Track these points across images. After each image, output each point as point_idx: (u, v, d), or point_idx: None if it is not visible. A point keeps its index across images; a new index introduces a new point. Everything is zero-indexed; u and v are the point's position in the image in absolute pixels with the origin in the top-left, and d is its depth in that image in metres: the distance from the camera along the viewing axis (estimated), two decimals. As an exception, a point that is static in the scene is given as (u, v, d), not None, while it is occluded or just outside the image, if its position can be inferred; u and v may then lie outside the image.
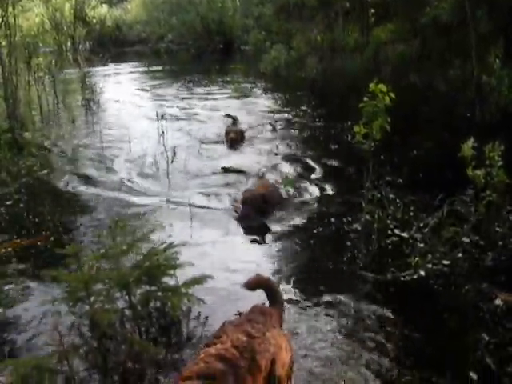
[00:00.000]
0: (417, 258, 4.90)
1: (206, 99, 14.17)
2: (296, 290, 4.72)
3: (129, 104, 14.07)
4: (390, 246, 5.40)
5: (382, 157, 7.22)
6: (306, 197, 6.92)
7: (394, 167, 7.58)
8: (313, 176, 7.74)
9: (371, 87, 5.48)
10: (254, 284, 3.43)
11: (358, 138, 5.73)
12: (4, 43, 13.30)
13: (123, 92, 16.24)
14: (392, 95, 5.46)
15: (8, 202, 6.99)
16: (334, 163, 8.30)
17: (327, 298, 4.55)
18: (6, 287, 4.91)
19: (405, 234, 5.54)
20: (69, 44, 32.70)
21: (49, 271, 3.90)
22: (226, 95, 14.74)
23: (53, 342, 3.59)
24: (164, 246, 4.14)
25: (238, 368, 2.56)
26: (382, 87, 5.48)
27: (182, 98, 14.53)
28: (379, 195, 6.28)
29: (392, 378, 3.60)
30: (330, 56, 16.66)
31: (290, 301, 4.46)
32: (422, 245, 5.27)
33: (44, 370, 3.45)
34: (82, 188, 7.55)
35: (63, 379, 3.58)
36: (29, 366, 3.44)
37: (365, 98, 5.58)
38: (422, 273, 4.79)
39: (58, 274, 3.86)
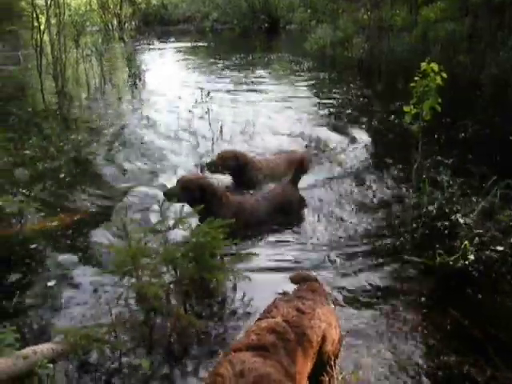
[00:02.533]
0: (465, 242, 4.77)
1: (251, 78, 14.11)
2: (338, 274, 4.65)
3: (174, 81, 14.13)
4: (437, 229, 5.28)
5: (431, 138, 7.04)
6: (351, 177, 6.81)
7: (444, 148, 7.39)
8: (358, 156, 7.61)
9: (423, 66, 5.33)
10: (298, 279, 3.40)
11: (408, 119, 5.60)
12: (53, 22, 13.56)
13: (168, 70, 16.34)
14: (444, 75, 5.30)
15: (55, 176, 7.12)
16: (381, 144, 8.14)
17: (370, 280, 4.49)
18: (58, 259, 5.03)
19: (455, 217, 5.40)
20: (115, 23, 33.10)
21: (99, 244, 3.97)
22: (270, 74, 14.65)
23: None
24: (211, 223, 4.13)
25: (288, 341, 2.57)
26: (434, 66, 5.33)
27: (227, 77, 14.52)
28: (428, 177, 6.12)
29: (436, 363, 3.54)
30: (377, 35, 16.34)
31: (331, 284, 4.42)
32: (472, 229, 5.13)
33: (92, 339, 3.53)
34: (127, 164, 7.64)
35: (110, 349, 3.66)
36: (78, 336, 3.53)
37: (416, 78, 5.44)
38: (472, 257, 4.66)
39: (108, 247, 3.92)
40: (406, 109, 5.59)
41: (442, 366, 3.48)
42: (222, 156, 6.30)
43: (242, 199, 5.64)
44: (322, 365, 2.83)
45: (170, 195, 5.06)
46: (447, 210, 5.53)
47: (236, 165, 6.23)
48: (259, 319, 2.88)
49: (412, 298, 4.22)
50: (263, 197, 5.67)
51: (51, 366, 3.39)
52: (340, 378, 3.02)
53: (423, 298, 4.20)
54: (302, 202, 5.90)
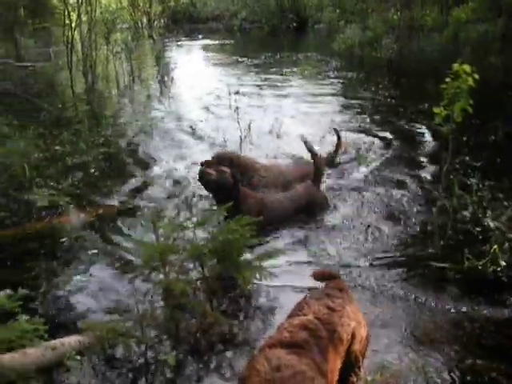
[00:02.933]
0: (495, 247, 4.69)
1: (279, 76, 14.09)
2: (363, 276, 4.60)
3: (202, 78, 14.19)
4: (466, 233, 5.20)
5: (461, 140, 6.95)
6: (378, 178, 6.76)
7: (474, 151, 7.28)
8: (386, 157, 7.55)
9: (455, 67, 5.26)
10: (321, 276, 3.39)
11: (438, 120, 5.52)
12: (85, 19, 13.74)
13: (196, 67, 16.41)
14: (476, 76, 5.22)
15: (85, 171, 7.22)
16: (410, 145, 8.05)
17: (397, 286, 4.43)
18: (84, 253, 5.10)
19: (485, 221, 5.32)
20: (144, 20, 33.37)
21: (127, 238, 4.01)
22: (298, 73, 14.62)
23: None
24: (239, 221, 4.13)
25: (320, 339, 2.58)
26: (466, 68, 5.25)
27: (255, 75, 14.53)
28: (458, 179, 6.04)
29: (463, 368, 3.49)
30: (407, 36, 16.19)
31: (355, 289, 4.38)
32: (503, 233, 5.04)
33: (118, 333, 3.57)
34: (155, 160, 7.70)
35: (136, 344, 3.69)
36: (105, 329, 3.57)
37: (447, 79, 5.37)
38: (503, 263, 4.58)
39: (136, 242, 3.96)
40: (436, 110, 5.51)
41: (468, 371, 3.43)
42: (217, 157, 6.06)
43: (264, 196, 5.65)
44: (349, 363, 2.82)
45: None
46: (477, 214, 5.46)
47: (230, 167, 5.74)
48: (290, 316, 2.88)
49: (439, 302, 4.17)
50: (285, 195, 5.68)
51: (79, 357, 3.45)
52: (368, 379, 3.00)
53: (451, 303, 4.15)
54: (325, 203, 5.88)
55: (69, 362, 3.41)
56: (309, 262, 4.82)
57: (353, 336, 2.79)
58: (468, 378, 3.37)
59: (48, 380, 3.37)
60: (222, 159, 5.94)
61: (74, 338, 3.61)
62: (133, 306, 3.91)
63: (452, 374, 3.41)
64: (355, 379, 2.85)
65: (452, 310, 4.04)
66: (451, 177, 6.07)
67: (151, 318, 3.76)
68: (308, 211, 5.63)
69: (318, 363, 2.43)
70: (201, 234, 4.23)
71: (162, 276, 3.81)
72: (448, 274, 4.53)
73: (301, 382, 2.17)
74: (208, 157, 6.33)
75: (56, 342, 3.48)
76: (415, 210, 5.78)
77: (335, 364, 2.63)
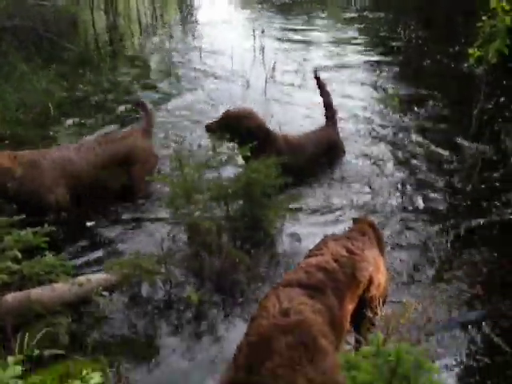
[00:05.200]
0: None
1: (304, 17, 13.68)
2: (388, 221, 4.55)
3: (225, 19, 13.84)
4: (495, 180, 5.08)
5: (493, 82, 6.69)
6: (406, 122, 6.60)
7: (507, 94, 7.03)
8: (414, 99, 7.34)
9: (492, 3, 5.01)
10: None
11: (471, 62, 5.33)
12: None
13: (220, 8, 16.00)
14: (515, 14, 4.98)
15: (108, 109, 7.19)
16: (439, 87, 7.79)
17: (421, 230, 4.38)
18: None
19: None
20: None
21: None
22: (324, 14, 14.19)
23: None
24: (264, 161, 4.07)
25: (337, 282, 2.53)
26: (505, 5, 5.00)
27: (280, 16, 14.13)
28: (489, 123, 5.85)
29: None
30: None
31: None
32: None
33: (144, 271, 3.60)
34: (176, 99, 7.62)
35: (162, 282, 3.72)
36: (130, 267, 3.59)
37: (483, 17, 5.14)
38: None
39: (162, 180, 3.94)
40: (470, 51, 5.31)
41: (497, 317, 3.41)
42: (228, 115, 5.08)
43: (289, 137, 5.35)
44: (363, 309, 2.77)
45: (212, 129, 4.94)
46: (507, 159, 5.31)
47: (245, 127, 4.96)
48: (308, 256, 2.84)
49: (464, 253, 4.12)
50: (308, 136, 5.44)
51: (106, 293, 3.49)
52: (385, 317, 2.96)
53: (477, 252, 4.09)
54: (343, 148, 5.68)
55: (96, 298, 3.46)
56: (331, 205, 4.80)
57: (370, 281, 2.73)
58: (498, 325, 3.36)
59: (75, 315, 3.42)
60: (235, 116, 5.09)
61: (101, 276, 3.65)
62: (159, 244, 3.93)
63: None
64: (371, 315, 2.79)
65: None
66: (483, 121, 5.87)
67: (176, 255, 3.77)
68: (330, 154, 5.51)
69: (331, 310, 2.38)
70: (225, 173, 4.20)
71: (186, 215, 3.79)
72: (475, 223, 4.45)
73: (304, 332, 2.11)
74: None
75: (83, 279, 3.52)
76: (442, 154, 5.64)
77: (349, 307, 2.59)
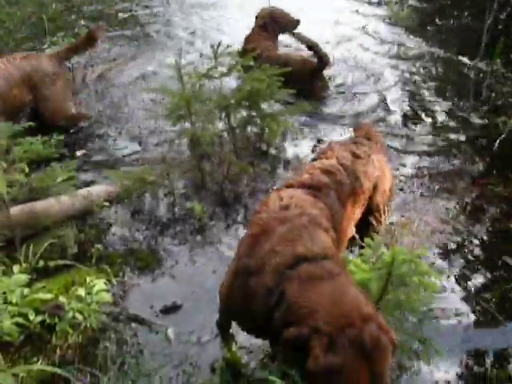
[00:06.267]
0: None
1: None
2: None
3: None
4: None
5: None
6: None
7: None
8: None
9: None
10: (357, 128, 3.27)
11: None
12: None
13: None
14: None
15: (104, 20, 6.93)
16: None
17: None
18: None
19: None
20: None
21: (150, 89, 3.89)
22: None
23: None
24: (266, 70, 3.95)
25: (341, 185, 2.47)
26: None
27: None
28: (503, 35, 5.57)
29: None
30: None
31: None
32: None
33: (146, 182, 3.59)
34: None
35: (163, 193, 3.73)
36: (132, 179, 3.59)
37: None
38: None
39: (161, 90, 3.85)
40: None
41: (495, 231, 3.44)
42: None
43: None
44: (369, 214, 2.76)
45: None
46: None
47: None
48: (313, 160, 2.79)
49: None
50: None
51: (108, 204, 3.51)
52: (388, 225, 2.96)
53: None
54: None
55: (98, 209, 3.48)
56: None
57: (375, 186, 2.68)
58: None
59: (81, 226, 3.45)
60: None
61: (101, 188, 3.66)
62: (160, 155, 3.90)
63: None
64: (376, 224, 2.79)
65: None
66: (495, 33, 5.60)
67: (178, 166, 3.75)
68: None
69: (332, 210, 2.33)
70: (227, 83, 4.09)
71: (188, 125, 3.73)
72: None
73: (304, 222, 2.06)
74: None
75: (84, 191, 3.53)
76: (449, 72, 5.54)
77: (353, 213, 2.55)
